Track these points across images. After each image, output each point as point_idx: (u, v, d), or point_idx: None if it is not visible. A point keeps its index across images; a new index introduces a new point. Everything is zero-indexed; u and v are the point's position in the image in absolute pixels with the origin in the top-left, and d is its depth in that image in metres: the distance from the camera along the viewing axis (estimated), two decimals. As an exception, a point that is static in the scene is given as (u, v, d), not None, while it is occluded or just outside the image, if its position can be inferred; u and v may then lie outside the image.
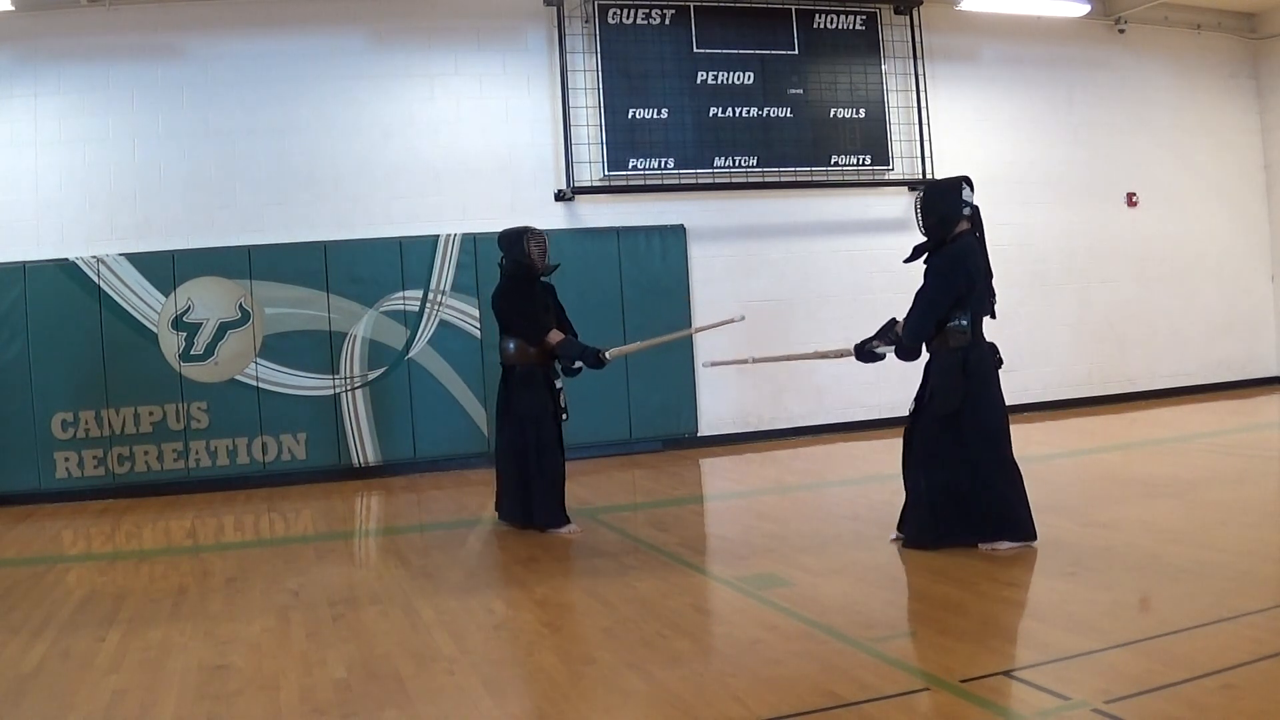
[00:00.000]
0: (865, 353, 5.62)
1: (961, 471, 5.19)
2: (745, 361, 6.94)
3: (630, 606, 4.66)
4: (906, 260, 5.52)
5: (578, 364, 6.33)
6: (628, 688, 3.65)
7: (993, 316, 5.45)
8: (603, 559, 5.70)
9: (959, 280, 5.20)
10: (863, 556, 5.34)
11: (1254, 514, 5.88)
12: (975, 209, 5.33)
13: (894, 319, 5.52)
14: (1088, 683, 3.41)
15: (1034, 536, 5.23)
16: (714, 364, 6.85)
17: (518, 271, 6.34)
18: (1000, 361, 5.37)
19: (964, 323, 5.23)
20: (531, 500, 6.34)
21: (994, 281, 5.45)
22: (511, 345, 6.37)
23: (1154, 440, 8.98)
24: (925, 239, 5.42)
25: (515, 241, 6.35)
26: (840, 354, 5.87)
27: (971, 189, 5.31)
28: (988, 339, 5.39)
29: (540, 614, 4.71)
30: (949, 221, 5.27)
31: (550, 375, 6.41)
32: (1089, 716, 3.14)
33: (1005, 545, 5.20)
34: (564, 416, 6.43)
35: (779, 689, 3.56)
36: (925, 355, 5.48)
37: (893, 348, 5.50)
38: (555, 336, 6.31)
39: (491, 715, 3.47)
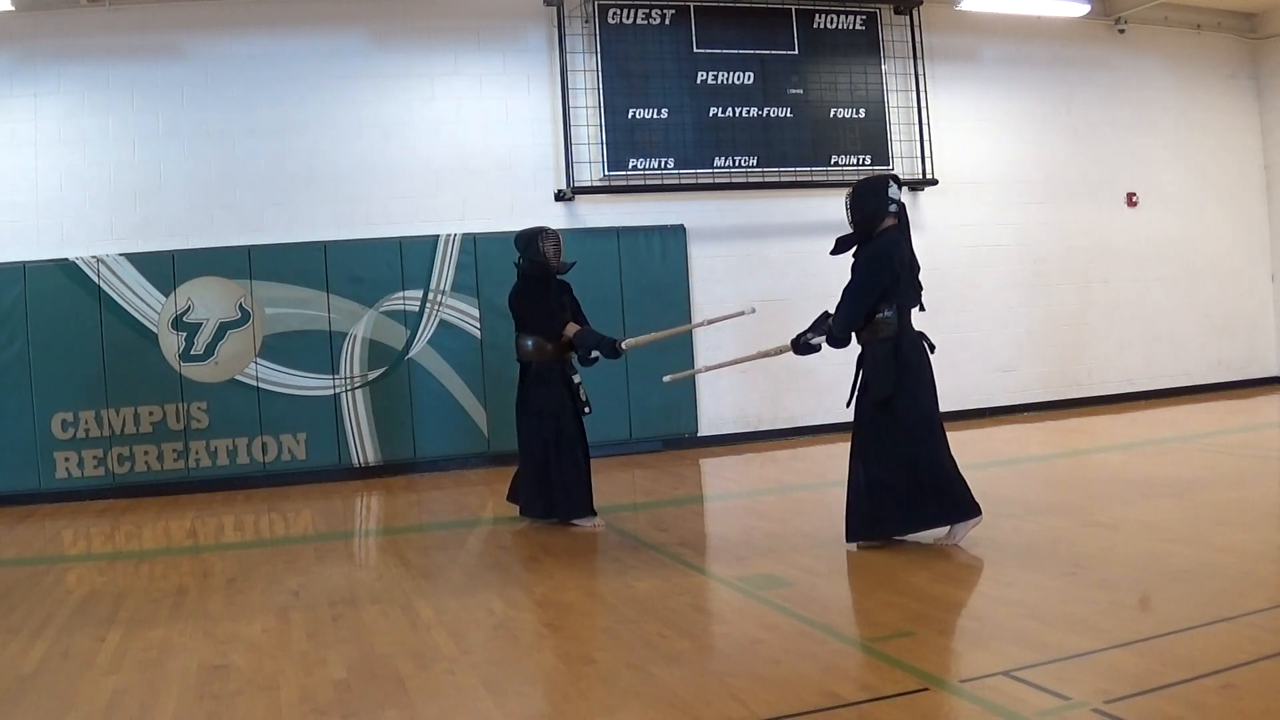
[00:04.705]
0: (802, 346, 5.72)
1: (899, 460, 5.29)
2: (701, 371, 7.08)
3: (630, 606, 4.66)
4: (832, 253, 5.63)
5: (595, 354, 6.41)
6: (628, 688, 3.65)
7: (921, 309, 5.55)
8: (603, 559, 5.71)
9: (883, 274, 5.36)
10: (863, 556, 5.34)
11: (1254, 514, 5.88)
12: (901, 206, 5.49)
13: (826, 312, 5.64)
14: (1088, 683, 3.41)
15: (979, 511, 5.34)
16: (672, 379, 6.81)
17: (534, 270, 6.44)
18: (932, 347, 5.50)
19: (889, 314, 5.37)
20: (553, 493, 6.43)
21: (920, 275, 5.56)
22: (529, 343, 6.46)
23: (1154, 440, 8.98)
24: (852, 233, 5.56)
25: (530, 241, 6.46)
26: (780, 350, 5.96)
27: (899, 186, 5.50)
28: (917, 329, 5.51)
29: (540, 614, 4.71)
30: (875, 218, 5.43)
31: (567, 371, 6.51)
32: (1089, 716, 3.14)
33: (959, 530, 5.34)
34: (586, 410, 6.52)
35: (779, 689, 3.56)
36: (857, 349, 5.59)
37: (824, 338, 5.62)
38: (572, 329, 6.41)
39: (491, 715, 3.47)
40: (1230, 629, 3.84)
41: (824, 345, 5.66)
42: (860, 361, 5.54)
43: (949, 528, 5.38)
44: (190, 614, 4.90)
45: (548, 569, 5.51)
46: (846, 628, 4.15)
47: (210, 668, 4.06)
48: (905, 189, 5.54)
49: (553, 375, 6.45)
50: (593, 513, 6.52)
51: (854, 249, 5.52)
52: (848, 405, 5.58)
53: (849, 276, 5.47)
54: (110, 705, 3.69)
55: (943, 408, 11.24)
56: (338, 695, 3.70)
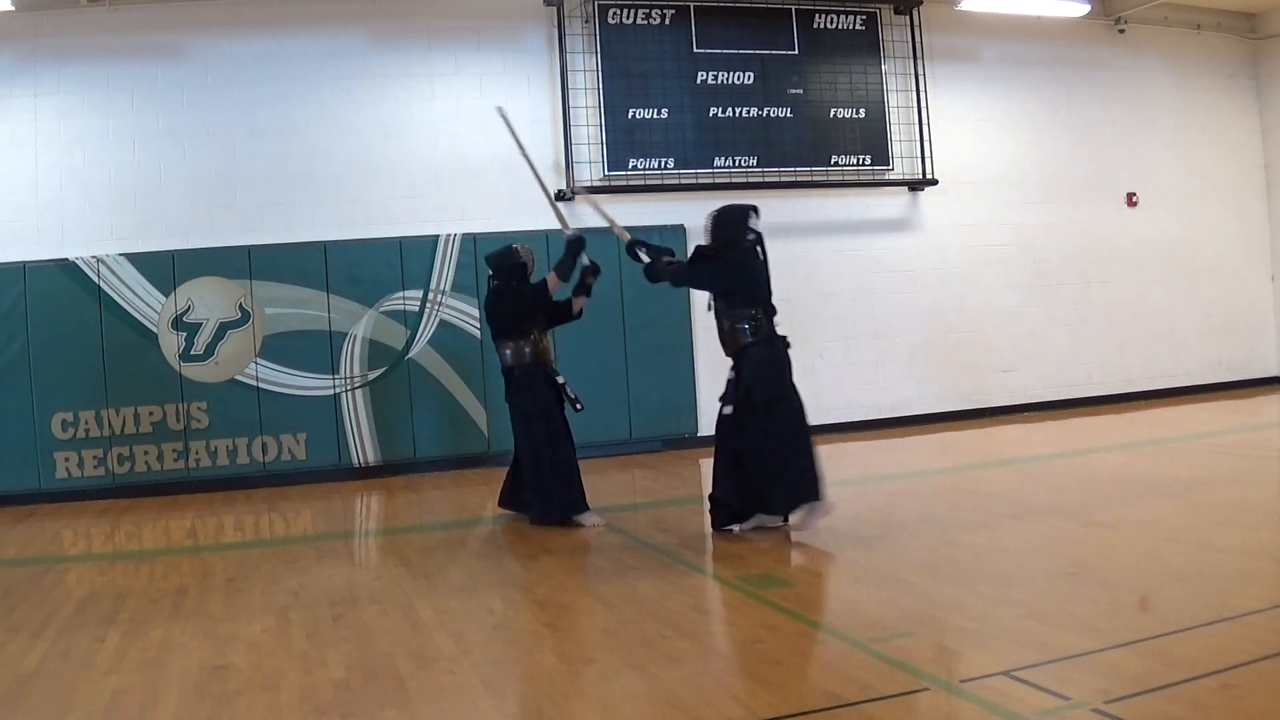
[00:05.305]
0: (636, 247, 6.25)
1: (772, 453, 5.75)
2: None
3: (630, 606, 4.66)
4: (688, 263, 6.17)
5: (583, 261, 6.61)
6: (628, 688, 3.65)
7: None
8: (603, 559, 5.71)
9: (725, 278, 5.90)
10: (863, 556, 5.34)
11: (1254, 514, 5.88)
12: (759, 235, 5.94)
13: (671, 256, 6.17)
14: (1088, 683, 3.41)
15: (821, 495, 5.74)
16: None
17: (508, 277, 6.62)
18: (788, 346, 5.97)
19: (747, 326, 5.82)
20: (550, 493, 6.48)
21: (774, 298, 5.99)
22: (508, 350, 6.58)
23: (1154, 440, 8.98)
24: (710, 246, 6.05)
25: (505, 253, 6.70)
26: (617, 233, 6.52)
27: (758, 216, 5.96)
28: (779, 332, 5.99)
29: (540, 614, 4.71)
30: (734, 243, 5.91)
31: (550, 372, 6.59)
32: (1089, 716, 3.14)
33: (812, 518, 5.78)
34: (578, 407, 6.58)
35: (779, 689, 3.56)
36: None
37: (647, 264, 6.12)
38: (552, 278, 6.53)
39: (491, 715, 3.47)
40: (1230, 629, 3.84)
41: (644, 261, 6.15)
42: (736, 370, 5.92)
43: (803, 515, 5.81)
44: (190, 614, 4.90)
45: (548, 569, 5.51)
46: (846, 628, 4.15)
47: (210, 668, 4.06)
48: (761, 219, 6.03)
49: (536, 379, 6.55)
50: (588, 508, 6.57)
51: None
52: (722, 407, 5.93)
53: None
54: (110, 705, 3.69)
55: (943, 408, 11.32)
56: (338, 695, 3.70)
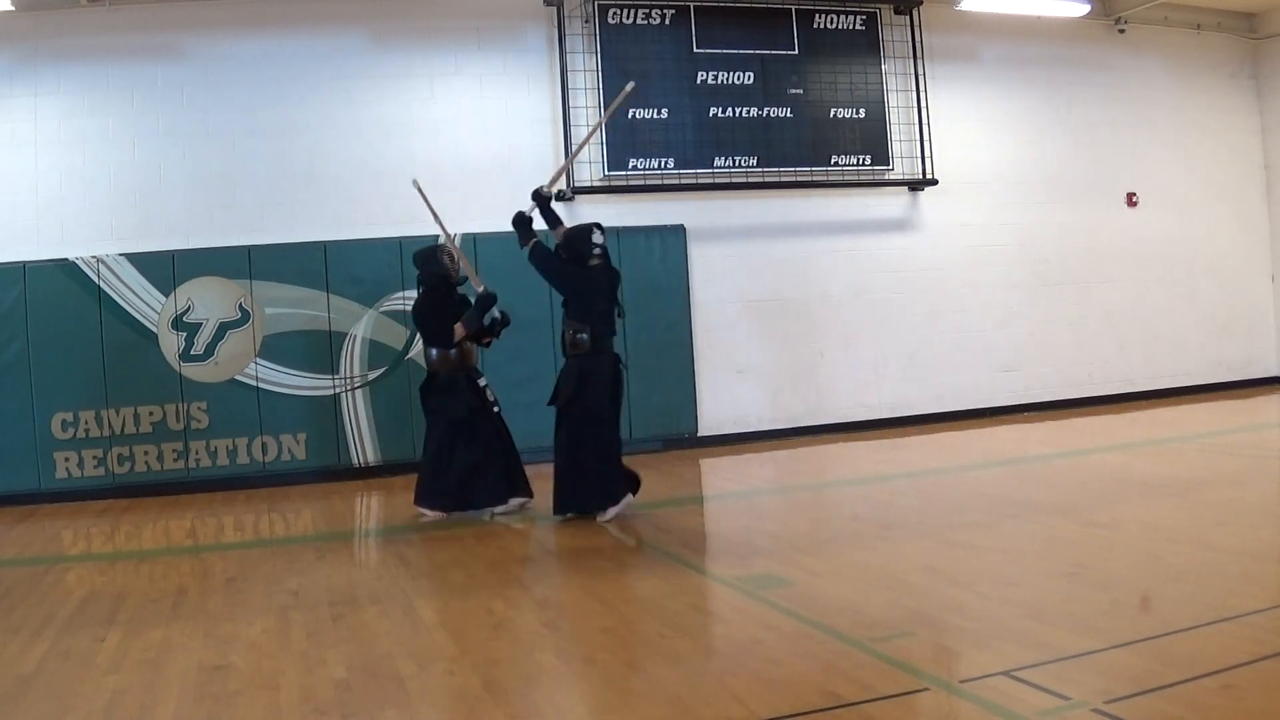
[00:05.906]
0: (540, 199, 6.78)
1: (580, 452, 6.44)
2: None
3: (630, 606, 4.66)
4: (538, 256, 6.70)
5: (495, 314, 6.98)
6: (628, 688, 3.65)
7: (613, 334, 6.65)
8: (603, 559, 5.71)
9: (558, 280, 6.64)
10: (863, 556, 5.34)
11: (1254, 514, 5.88)
12: (604, 248, 6.63)
13: (539, 243, 6.61)
14: (1088, 683, 3.41)
15: (627, 495, 6.58)
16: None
17: (433, 282, 7.02)
18: (625, 366, 6.70)
19: (584, 336, 6.48)
20: (516, 476, 6.99)
21: (616, 310, 6.65)
22: (434, 353, 7.01)
23: (1154, 440, 8.98)
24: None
25: (430, 257, 7.11)
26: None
27: (602, 233, 6.65)
28: (616, 351, 6.67)
29: (540, 614, 4.71)
30: (583, 258, 6.57)
31: (473, 377, 7.01)
32: (1089, 716, 3.14)
33: (612, 511, 6.49)
34: (496, 409, 7.02)
35: (779, 689, 3.56)
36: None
37: (527, 228, 6.65)
38: (459, 330, 6.87)
39: (492, 715, 3.47)
40: (1230, 629, 3.84)
41: (528, 224, 6.71)
42: (560, 371, 6.65)
43: (610, 509, 6.48)
44: (190, 614, 4.90)
45: (547, 569, 5.51)
46: (846, 628, 4.15)
47: (210, 668, 4.06)
48: (606, 234, 6.80)
49: (458, 383, 6.91)
50: (529, 494, 7.05)
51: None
52: (548, 404, 6.67)
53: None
54: (110, 705, 3.69)
55: (944, 408, 11.34)
56: (338, 695, 3.70)
